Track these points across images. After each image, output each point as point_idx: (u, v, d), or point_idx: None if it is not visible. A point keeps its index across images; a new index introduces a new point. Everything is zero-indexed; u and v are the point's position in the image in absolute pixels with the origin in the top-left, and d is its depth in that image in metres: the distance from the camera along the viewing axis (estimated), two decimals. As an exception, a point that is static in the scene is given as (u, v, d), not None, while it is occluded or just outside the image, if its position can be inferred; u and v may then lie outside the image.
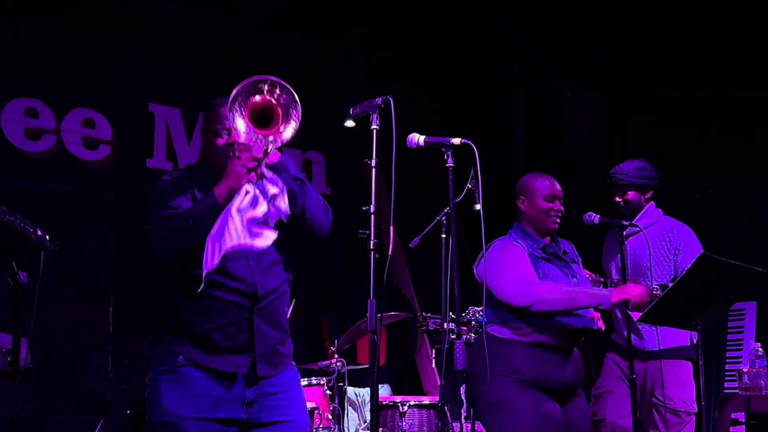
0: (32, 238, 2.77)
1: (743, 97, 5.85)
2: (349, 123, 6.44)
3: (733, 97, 5.89)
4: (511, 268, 3.54)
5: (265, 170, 2.60)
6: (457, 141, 3.20)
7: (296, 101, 2.55)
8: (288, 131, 2.55)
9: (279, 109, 2.56)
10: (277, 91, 2.55)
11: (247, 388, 2.68)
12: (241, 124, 2.52)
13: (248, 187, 2.56)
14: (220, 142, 2.71)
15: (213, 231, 2.54)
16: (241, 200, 2.55)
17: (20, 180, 5.42)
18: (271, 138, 2.55)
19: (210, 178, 2.69)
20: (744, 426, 4.08)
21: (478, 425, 4.59)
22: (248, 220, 2.53)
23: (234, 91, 2.51)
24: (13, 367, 2.95)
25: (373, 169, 2.86)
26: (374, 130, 2.89)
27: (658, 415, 4.07)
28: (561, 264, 3.66)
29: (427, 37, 6.71)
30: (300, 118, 2.56)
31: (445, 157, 3.21)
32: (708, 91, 5.99)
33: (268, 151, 2.56)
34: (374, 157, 2.88)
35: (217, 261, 2.53)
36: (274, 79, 2.55)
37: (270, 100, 2.55)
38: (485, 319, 3.66)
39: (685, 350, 4.12)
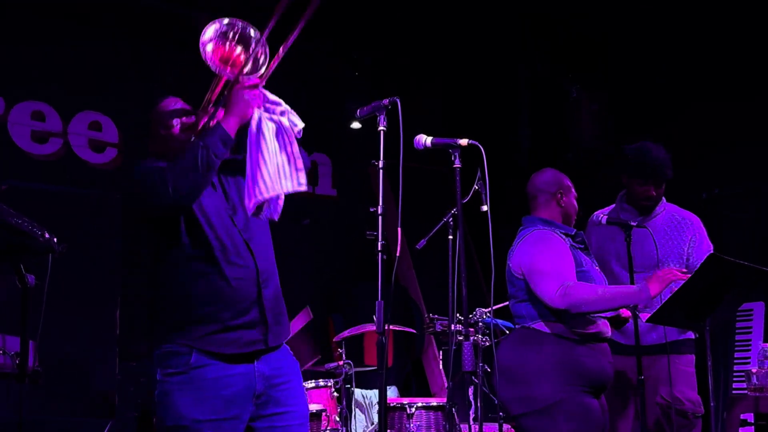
0: (40, 241, 2.77)
1: (748, 97, 5.84)
2: (355, 124, 6.44)
3: (739, 96, 5.88)
4: (553, 265, 3.42)
5: (264, 91, 2.68)
6: (464, 142, 3.19)
7: (258, 39, 2.63)
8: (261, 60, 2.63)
9: (240, 49, 2.64)
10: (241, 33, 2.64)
11: (257, 383, 2.68)
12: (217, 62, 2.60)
13: (257, 113, 2.63)
14: (176, 130, 2.76)
15: (248, 173, 2.59)
16: (261, 135, 2.61)
17: (27, 182, 5.44)
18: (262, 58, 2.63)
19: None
20: (753, 427, 4.07)
21: (487, 427, 4.59)
22: (284, 159, 2.62)
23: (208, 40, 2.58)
24: (21, 369, 2.95)
25: (381, 171, 2.85)
26: (381, 132, 2.88)
27: (664, 417, 3.87)
28: (588, 253, 3.63)
29: (432, 37, 6.71)
30: (267, 52, 2.64)
31: (453, 158, 3.20)
32: (713, 91, 5.98)
33: (264, 71, 2.64)
34: (381, 158, 2.87)
35: (251, 208, 2.60)
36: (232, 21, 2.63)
37: (233, 46, 2.63)
38: (523, 314, 3.54)
39: (692, 343, 3.90)
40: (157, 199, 2.55)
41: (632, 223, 3.75)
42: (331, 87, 6.68)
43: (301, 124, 2.69)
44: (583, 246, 3.62)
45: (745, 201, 5.92)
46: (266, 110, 2.66)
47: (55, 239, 2.80)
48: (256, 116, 2.62)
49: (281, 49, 2.62)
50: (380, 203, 2.83)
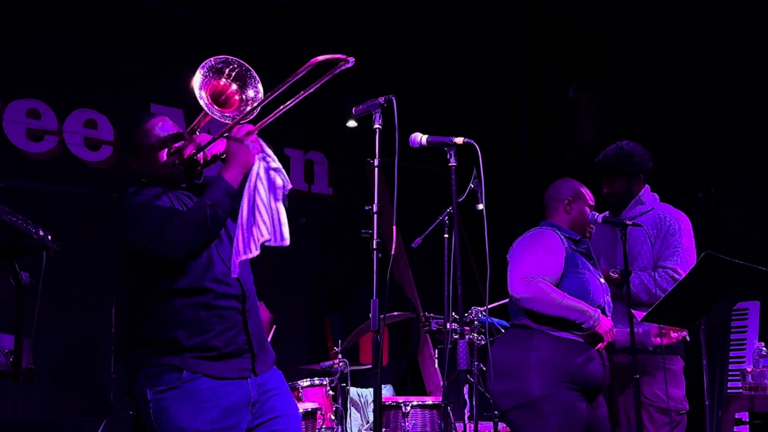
0: (34, 238, 2.75)
1: (749, 97, 5.84)
2: (351, 123, 6.43)
3: (739, 96, 5.88)
4: (533, 257, 3.47)
5: (262, 143, 2.65)
6: (459, 140, 3.19)
7: (252, 76, 2.67)
8: (254, 101, 2.62)
9: (235, 88, 2.65)
10: (233, 69, 2.66)
11: (251, 390, 2.69)
12: (207, 104, 2.57)
13: (257, 164, 2.59)
14: (163, 155, 2.76)
15: (243, 217, 2.53)
16: (258, 179, 2.56)
17: (22, 181, 5.42)
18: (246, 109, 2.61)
19: (169, 188, 2.74)
20: (748, 425, 4.07)
21: (483, 425, 4.59)
22: (276, 207, 2.56)
23: (198, 80, 2.56)
24: (16, 367, 2.94)
25: (376, 169, 2.85)
26: (377, 130, 2.88)
27: (647, 415, 3.80)
28: (592, 261, 3.66)
29: (431, 36, 6.71)
30: (258, 90, 2.66)
31: (448, 157, 3.21)
32: (714, 91, 5.98)
33: (257, 121, 2.62)
34: (377, 156, 2.86)
35: (256, 250, 2.53)
36: (224, 58, 2.65)
37: (227, 83, 2.64)
38: (513, 311, 3.57)
39: (677, 345, 3.87)
40: (167, 252, 2.55)
41: (627, 222, 3.75)
42: (329, 85, 6.66)
43: (289, 186, 2.66)
44: (586, 252, 3.66)
45: (745, 201, 5.92)
46: (263, 159, 2.63)
47: (50, 237, 2.79)
48: (255, 167, 2.59)
49: (281, 107, 2.61)
50: (375, 201, 2.82)
